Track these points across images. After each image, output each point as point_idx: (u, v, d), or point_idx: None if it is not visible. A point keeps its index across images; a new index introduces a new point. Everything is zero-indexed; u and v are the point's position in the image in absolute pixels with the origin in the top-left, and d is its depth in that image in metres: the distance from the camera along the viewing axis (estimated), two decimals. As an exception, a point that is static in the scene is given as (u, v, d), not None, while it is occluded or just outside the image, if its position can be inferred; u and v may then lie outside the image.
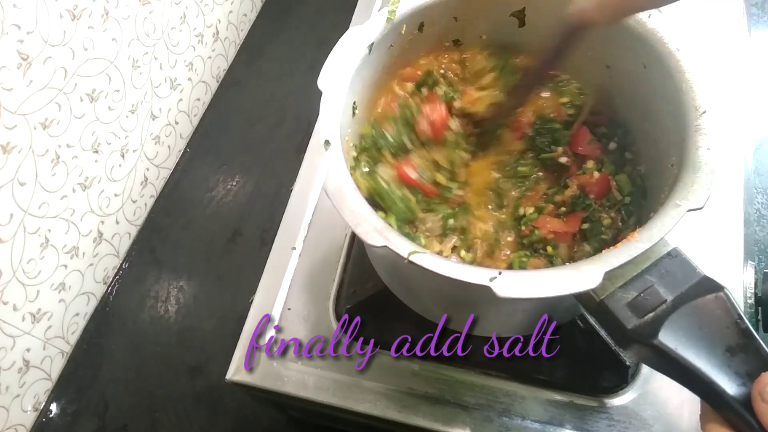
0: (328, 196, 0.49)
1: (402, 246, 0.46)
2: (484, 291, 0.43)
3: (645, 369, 0.62)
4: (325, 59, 0.56)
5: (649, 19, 0.56)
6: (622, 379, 0.62)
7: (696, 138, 0.49)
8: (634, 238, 0.45)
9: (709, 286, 0.45)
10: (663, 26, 0.55)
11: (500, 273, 0.44)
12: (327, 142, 0.52)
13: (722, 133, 0.49)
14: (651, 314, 0.44)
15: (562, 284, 0.43)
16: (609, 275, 0.43)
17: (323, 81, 0.55)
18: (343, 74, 0.56)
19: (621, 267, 0.44)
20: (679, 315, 0.43)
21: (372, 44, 0.58)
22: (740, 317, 0.43)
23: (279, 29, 1.19)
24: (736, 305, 0.43)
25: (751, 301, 0.65)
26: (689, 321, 0.43)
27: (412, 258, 0.45)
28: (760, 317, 0.65)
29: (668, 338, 0.43)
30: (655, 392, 0.61)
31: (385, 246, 0.46)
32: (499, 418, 0.61)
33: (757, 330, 0.64)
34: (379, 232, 0.47)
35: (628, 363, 0.62)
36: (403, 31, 0.61)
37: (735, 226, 0.69)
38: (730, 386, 0.41)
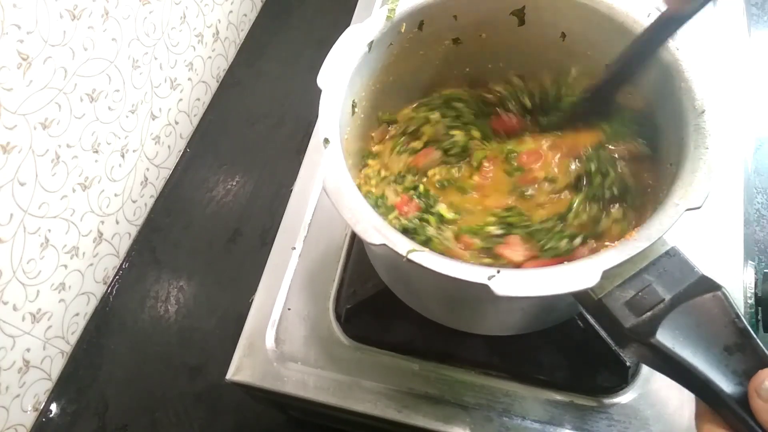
0: (327, 195, 0.49)
1: (401, 244, 0.46)
2: (483, 289, 0.43)
3: (645, 369, 0.62)
4: (324, 60, 0.56)
5: (648, 19, 0.56)
6: (622, 379, 0.62)
7: (695, 137, 0.49)
8: (633, 237, 0.45)
9: (707, 285, 0.45)
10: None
11: (498, 271, 0.44)
12: (326, 141, 0.52)
13: (721, 133, 0.49)
14: (649, 313, 0.44)
15: (560, 283, 0.43)
16: (607, 274, 0.43)
17: (322, 79, 0.55)
18: (343, 73, 0.56)
19: (619, 266, 0.44)
20: (676, 314, 0.44)
21: (371, 42, 0.58)
22: (738, 316, 0.43)
23: (279, 29, 1.19)
24: (734, 304, 0.43)
25: (751, 301, 0.65)
26: (687, 320, 0.43)
27: (411, 256, 0.45)
28: (760, 317, 0.65)
29: (666, 337, 0.43)
30: (655, 392, 0.61)
31: (384, 244, 0.46)
32: (499, 418, 0.61)
33: (757, 330, 0.65)
34: (377, 230, 0.47)
35: (628, 363, 0.62)
36: (402, 30, 0.61)
37: (735, 226, 0.69)
38: (727, 385, 0.41)
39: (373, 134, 0.65)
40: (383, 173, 0.63)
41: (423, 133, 0.66)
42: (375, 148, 0.65)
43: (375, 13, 0.59)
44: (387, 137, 0.66)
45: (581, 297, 0.46)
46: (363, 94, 0.61)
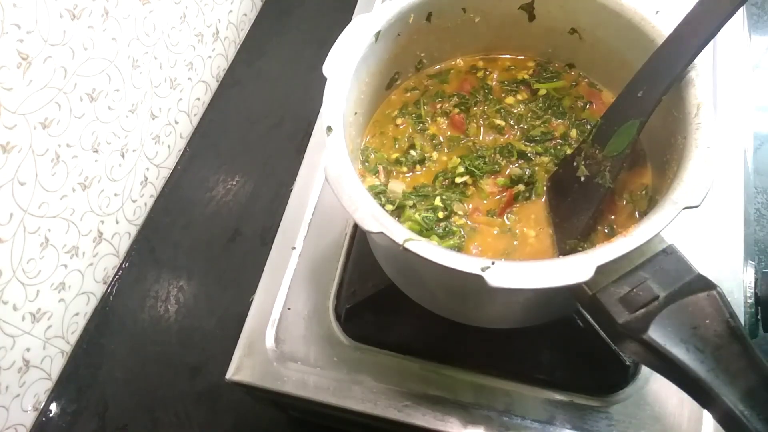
0: (327, 182, 0.49)
1: (398, 233, 0.46)
2: (477, 280, 0.43)
3: (645, 369, 0.62)
4: (325, 59, 0.56)
5: (656, 17, 0.56)
6: (622, 378, 0.62)
7: (696, 135, 0.49)
8: (629, 234, 0.45)
9: (703, 284, 0.45)
10: (670, 24, 0.55)
11: (493, 263, 0.44)
12: (329, 128, 0.52)
13: (722, 132, 0.49)
14: (642, 310, 0.44)
15: (553, 276, 0.43)
16: (601, 269, 0.43)
17: (329, 67, 0.55)
18: (349, 61, 0.56)
19: (614, 262, 0.44)
20: (670, 311, 0.44)
21: (378, 32, 0.58)
22: (732, 316, 0.43)
23: (279, 29, 1.19)
24: (728, 304, 0.44)
25: (751, 300, 0.65)
26: (680, 318, 0.44)
27: (407, 245, 0.45)
28: (759, 317, 0.65)
29: (658, 334, 0.43)
30: (655, 392, 0.61)
31: (381, 232, 0.46)
32: (499, 418, 0.61)
33: (757, 330, 0.65)
34: (376, 219, 0.47)
35: (628, 363, 0.62)
36: (410, 21, 0.61)
37: (735, 225, 0.69)
38: (717, 384, 0.41)
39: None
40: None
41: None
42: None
43: (380, 4, 0.59)
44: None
45: (576, 292, 0.46)
46: (369, 83, 0.61)
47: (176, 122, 1.02)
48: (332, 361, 0.66)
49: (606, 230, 0.57)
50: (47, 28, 0.71)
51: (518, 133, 0.65)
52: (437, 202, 0.59)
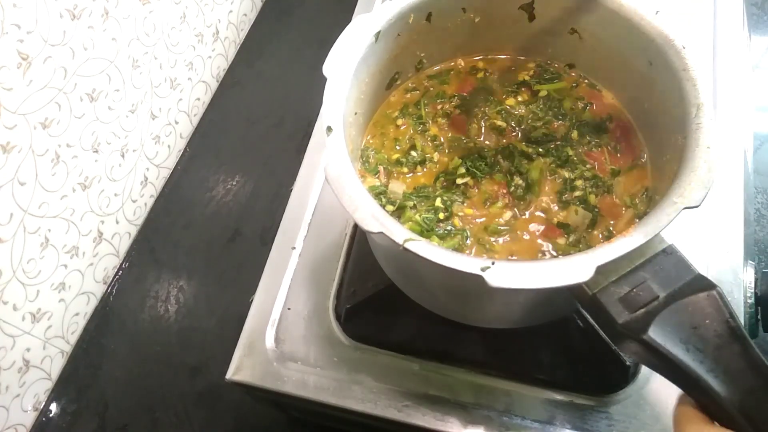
0: (328, 182, 0.49)
1: (398, 233, 0.46)
2: (477, 280, 0.43)
3: (645, 369, 0.62)
4: (325, 59, 0.56)
5: (656, 17, 0.56)
6: (622, 379, 0.62)
7: (696, 136, 0.49)
8: (629, 234, 0.45)
9: (703, 284, 0.45)
10: (670, 24, 0.55)
11: (493, 263, 0.44)
12: (329, 128, 0.52)
13: (722, 132, 0.49)
14: (642, 310, 0.44)
15: (553, 276, 0.43)
16: (601, 269, 0.43)
17: (329, 67, 0.55)
18: (349, 61, 0.56)
19: (614, 262, 0.44)
20: (670, 311, 0.44)
21: (378, 32, 0.58)
22: (731, 316, 0.43)
23: (279, 29, 1.19)
24: (728, 304, 0.44)
25: (751, 300, 0.65)
26: (680, 318, 0.44)
27: (407, 245, 0.45)
28: (759, 317, 0.65)
29: (658, 334, 0.43)
30: (655, 392, 0.61)
31: (381, 232, 0.46)
32: (499, 418, 0.61)
33: (757, 330, 0.65)
34: (376, 219, 0.47)
35: (628, 363, 0.62)
36: (410, 21, 0.61)
37: (735, 225, 0.69)
38: (717, 384, 0.41)
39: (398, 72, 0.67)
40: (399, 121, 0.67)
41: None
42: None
43: (380, 4, 0.60)
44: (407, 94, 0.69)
45: (576, 292, 0.46)
46: (369, 83, 0.61)
47: (176, 122, 1.02)
48: (332, 361, 0.66)
49: (605, 233, 0.57)
50: (47, 28, 0.71)
51: (519, 135, 0.65)
52: (438, 203, 0.59)
